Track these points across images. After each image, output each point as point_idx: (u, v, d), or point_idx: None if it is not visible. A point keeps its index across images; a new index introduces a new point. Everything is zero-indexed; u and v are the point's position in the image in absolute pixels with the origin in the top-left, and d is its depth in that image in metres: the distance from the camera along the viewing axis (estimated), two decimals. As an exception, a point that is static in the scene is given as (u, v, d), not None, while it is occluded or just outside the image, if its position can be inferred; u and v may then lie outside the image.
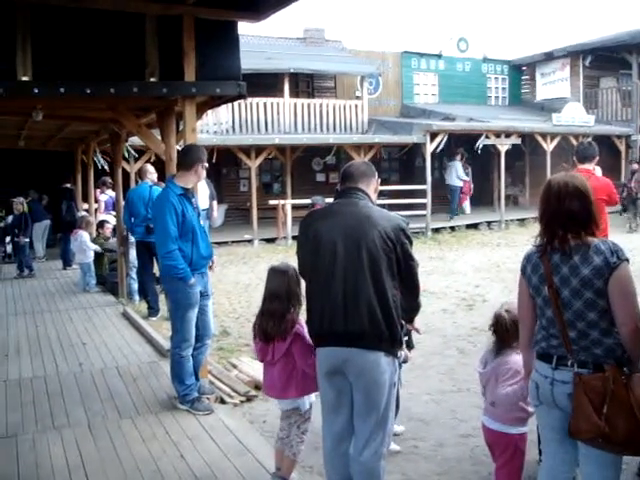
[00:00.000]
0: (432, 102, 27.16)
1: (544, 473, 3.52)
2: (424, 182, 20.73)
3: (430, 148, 20.57)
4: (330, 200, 4.54)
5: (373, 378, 3.68)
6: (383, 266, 3.63)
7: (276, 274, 4.33)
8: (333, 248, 3.67)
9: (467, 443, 5.31)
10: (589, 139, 21.55)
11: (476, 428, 4.46)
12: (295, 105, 22.15)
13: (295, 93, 23.50)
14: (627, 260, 3.14)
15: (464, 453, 5.17)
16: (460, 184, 22.74)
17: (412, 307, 3.92)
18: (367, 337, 3.64)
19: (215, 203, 15.55)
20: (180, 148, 6.44)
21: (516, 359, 3.90)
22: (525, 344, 3.52)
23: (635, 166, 21.01)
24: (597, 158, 6.61)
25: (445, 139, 20.80)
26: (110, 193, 14.18)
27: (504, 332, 4.03)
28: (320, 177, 24.12)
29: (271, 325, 4.24)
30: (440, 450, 5.25)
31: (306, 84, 24.92)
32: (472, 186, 23.39)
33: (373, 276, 3.62)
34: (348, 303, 3.63)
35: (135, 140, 12.86)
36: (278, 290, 4.25)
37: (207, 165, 6.00)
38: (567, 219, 3.19)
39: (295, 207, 18.69)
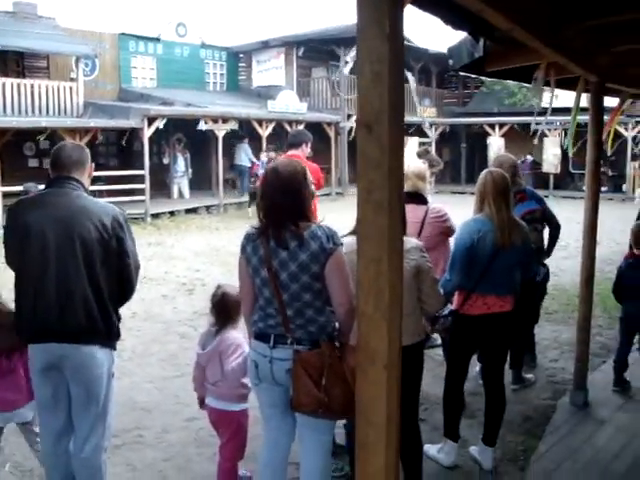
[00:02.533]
0: (150, 86, 26.87)
1: (267, 446, 3.66)
2: (142, 167, 20.46)
3: (148, 133, 20.31)
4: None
5: (90, 372, 3.59)
6: (98, 258, 3.53)
7: None
8: (44, 240, 3.49)
9: (192, 427, 5.39)
10: (302, 126, 22.63)
11: (200, 411, 4.52)
12: (4, 85, 20.59)
13: (4, 72, 21.91)
14: (342, 244, 3.34)
15: (189, 437, 5.25)
16: (249, 164, 23.65)
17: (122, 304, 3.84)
18: (83, 332, 3.53)
19: None
20: None
21: (235, 335, 4.05)
22: (248, 321, 3.57)
23: (272, 154, 20.60)
24: (306, 144, 6.95)
25: (164, 122, 20.69)
26: None
27: (222, 312, 4.10)
28: (33, 162, 22.61)
29: None
30: (165, 436, 5.29)
31: (16, 63, 23.23)
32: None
33: (88, 269, 3.51)
34: (62, 297, 3.49)
35: None
36: None
37: None
38: (283, 208, 3.27)
39: (6, 195, 17.38)
